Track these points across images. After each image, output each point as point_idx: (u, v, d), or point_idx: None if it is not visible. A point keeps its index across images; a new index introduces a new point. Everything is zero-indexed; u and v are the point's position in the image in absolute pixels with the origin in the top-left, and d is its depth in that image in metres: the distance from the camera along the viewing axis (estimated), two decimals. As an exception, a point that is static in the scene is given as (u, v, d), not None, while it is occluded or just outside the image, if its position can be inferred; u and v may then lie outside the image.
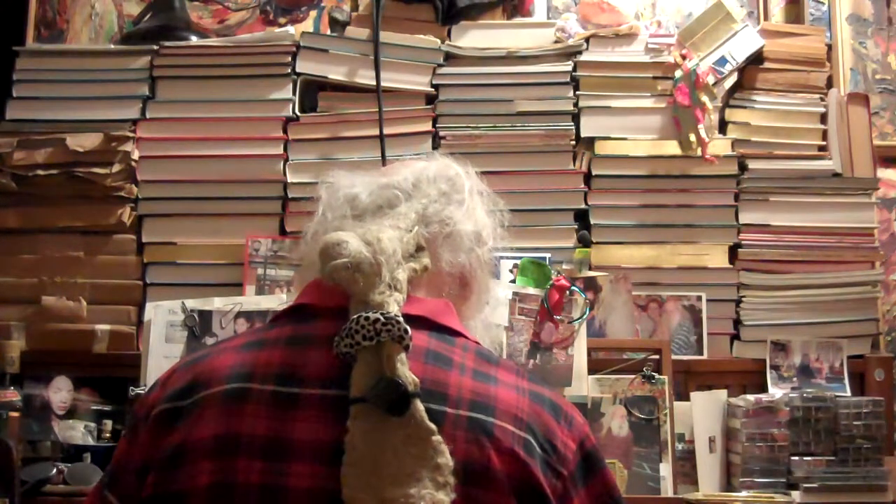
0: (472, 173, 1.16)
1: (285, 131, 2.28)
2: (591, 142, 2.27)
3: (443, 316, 1.03)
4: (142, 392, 1.85)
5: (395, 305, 0.97)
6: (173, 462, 0.95)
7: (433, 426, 0.92)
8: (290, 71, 2.29)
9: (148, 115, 2.28)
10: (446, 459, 0.91)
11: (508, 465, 0.93)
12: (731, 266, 2.24)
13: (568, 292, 2.08)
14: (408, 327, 0.95)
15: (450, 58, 2.31)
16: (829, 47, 2.40)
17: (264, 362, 0.99)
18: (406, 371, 0.93)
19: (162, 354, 2.02)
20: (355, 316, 0.95)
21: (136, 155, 2.25)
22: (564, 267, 2.18)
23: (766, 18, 2.48)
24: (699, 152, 2.23)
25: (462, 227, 1.09)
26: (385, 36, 2.28)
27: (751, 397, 2.05)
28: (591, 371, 2.06)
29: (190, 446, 0.95)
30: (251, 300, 2.11)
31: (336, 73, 2.30)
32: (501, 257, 2.18)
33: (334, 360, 0.96)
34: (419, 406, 0.92)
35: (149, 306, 2.13)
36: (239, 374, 0.98)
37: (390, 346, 0.94)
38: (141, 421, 1.01)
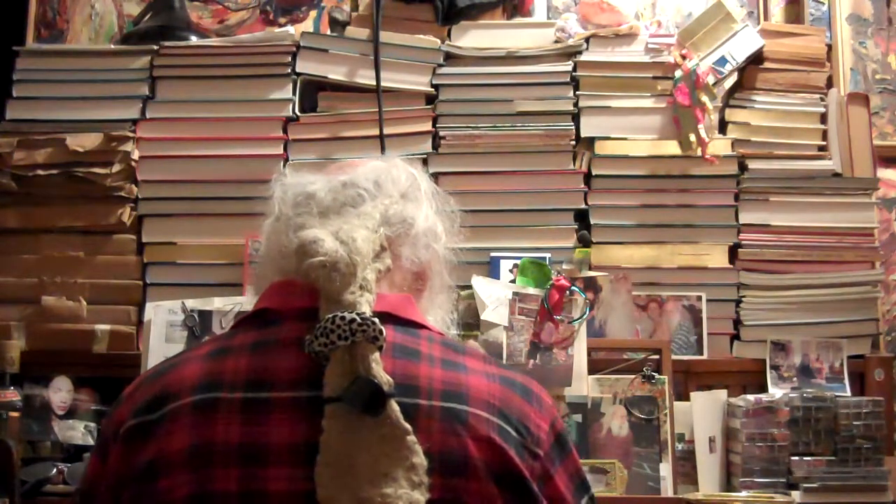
0: (424, 174, 1.18)
1: (285, 131, 2.28)
2: (591, 142, 2.27)
3: (405, 310, 1.04)
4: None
5: (366, 306, 0.98)
6: (149, 477, 0.95)
7: (408, 426, 0.92)
8: (290, 71, 2.28)
9: (148, 115, 2.28)
10: (421, 459, 0.91)
11: (485, 452, 0.94)
12: (731, 266, 2.24)
13: (568, 292, 2.08)
14: (382, 328, 0.95)
15: (450, 58, 2.31)
16: (829, 47, 2.40)
17: (231, 370, 0.98)
18: (381, 371, 0.94)
19: (162, 354, 2.01)
20: (330, 315, 0.95)
21: (136, 155, 2.25)
22: (564, 267, 2.18)
23: (766, 18, 2.47)
24: (699, 152, 2.23)
25: (420, 226, 1.11)
26: (385, 36, 2.28)
27: (751, 397, 2.05)
28: (591, 371, 2.06)
29: (164, 460, 0.95)
30: (251, 300, 2.10)
31: (336, 73, 2.29)
32: (498, 257, 2.18)
33: (303, 362, 0.96)
34: (394, 406, 0.93)
35: (149, 306, 2.13)
36: (206, 383, 0.98)
37: (364, 345, 0.94)
38: (110, 438, 1.01)
